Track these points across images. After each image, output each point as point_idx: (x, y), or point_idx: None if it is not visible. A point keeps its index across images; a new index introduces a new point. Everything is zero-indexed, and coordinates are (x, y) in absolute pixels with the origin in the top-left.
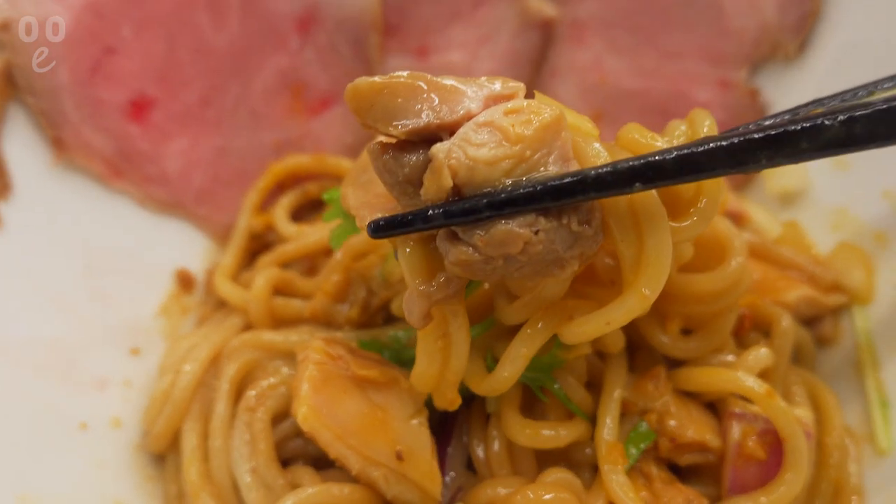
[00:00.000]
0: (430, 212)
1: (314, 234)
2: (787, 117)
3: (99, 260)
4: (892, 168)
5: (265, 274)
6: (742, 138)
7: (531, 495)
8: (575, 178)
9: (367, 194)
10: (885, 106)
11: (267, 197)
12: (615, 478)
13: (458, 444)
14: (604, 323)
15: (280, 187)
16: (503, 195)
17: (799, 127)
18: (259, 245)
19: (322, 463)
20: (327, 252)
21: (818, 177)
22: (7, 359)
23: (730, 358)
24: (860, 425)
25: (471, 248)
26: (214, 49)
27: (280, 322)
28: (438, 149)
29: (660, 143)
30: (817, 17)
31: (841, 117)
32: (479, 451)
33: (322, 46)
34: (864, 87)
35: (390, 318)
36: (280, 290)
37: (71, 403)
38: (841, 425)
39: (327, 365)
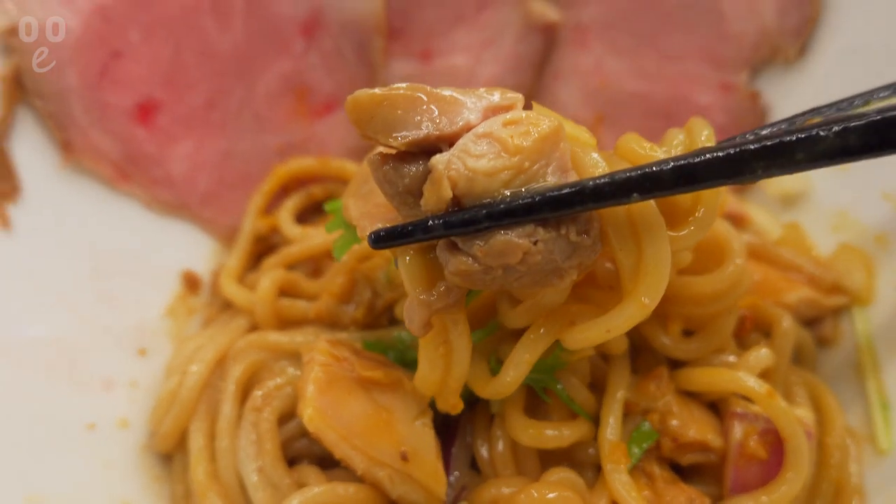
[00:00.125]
0: (430, 222)
1: (319, 236)
2: (783, 126)
3: (106, 261)
4: (891, 170)
5: (271, 275)
6: (738, 149)
7: (535, 494)
8: (573, 189)
9: (367, 204)
10: (878, 117)
11: (272, 199)
12: (618, 477)
13: (463, 444)
14: (604, 331)
15: (284, 190)
16: (502, 206)
17: (794, 138)
18: (264, 247)
19: (327, 462)
20: (332, 254)
21: (819, 179)
22: (15, 360)
23: (731, 358)
24: (860, 426)
25: (470, 259)
26: (219, 53)
27: (285, 323)
28: (438, 160)
29: (658, 153)
30: (817, 21)
31: (836, 128)
32: (484, 451)
33: (326, 50)
34: (860, 95)
35: (395, 320)
36: (285, 292)
37: (78, 404)
38: (842, 425)
39: (332, 366)
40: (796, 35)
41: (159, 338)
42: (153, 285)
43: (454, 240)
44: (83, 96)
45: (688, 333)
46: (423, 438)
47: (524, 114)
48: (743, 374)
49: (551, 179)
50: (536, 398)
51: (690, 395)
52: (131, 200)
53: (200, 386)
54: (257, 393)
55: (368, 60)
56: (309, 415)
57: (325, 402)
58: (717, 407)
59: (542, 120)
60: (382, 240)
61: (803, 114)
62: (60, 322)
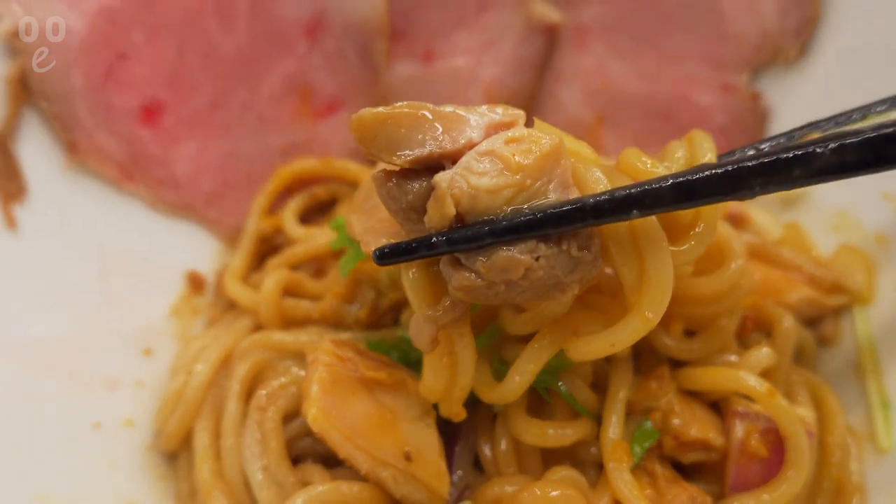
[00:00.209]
0: (434, 239)
1: (322, 236)
2: (781, 141)
3: (111, 262)
4: (891, 172)
5: (275, 275)
6: (735, 166)
7: (538, 492)
8: (574, 206)
9: (370, 219)
10: (874, 134)
11: (275, 200)
12: (620, 475)
13: (466, 444)
14: (609, 344)
15: (288, 191)
16: (504, 223)
17: (791, 155)
18: (268, 247)
19: (332, 461)
20: (335, 254)
21: None
22: (22, 360)
23: (732, 358)
24: (861, 425)
25: (473, 274)
26: (223, 54)
27: (290, 323)
28: (441, 178)
29: (658, 168)
30: (817, 22)
31: (832, 145)
32: (486, 450)
33: (329, 52)
34: (858, 109)
35: (398, 319)
36: (289, 292)
37: (84, 404)
38: (843, 424)
39: (336, 367)
40: (797, 35)
41: (164, 338)
42: (158, 285)
43: (457, 256)
44: (88, 97)
45: (689, 334)
46: (427, 438)
47: (526, 131)
48: (744, 373)
49: (553, 196)
50: (539, 398)
51: (692, 395)
52: (136, 201)
53: (205, 385)
54: (262, 392)
55: (371, 62)
56: (313, 415)
57: (328, 403)
58: (718, 406)
59: (543, 138)
60: (387, 256)
61: (801, 128)
62: (66, 322)
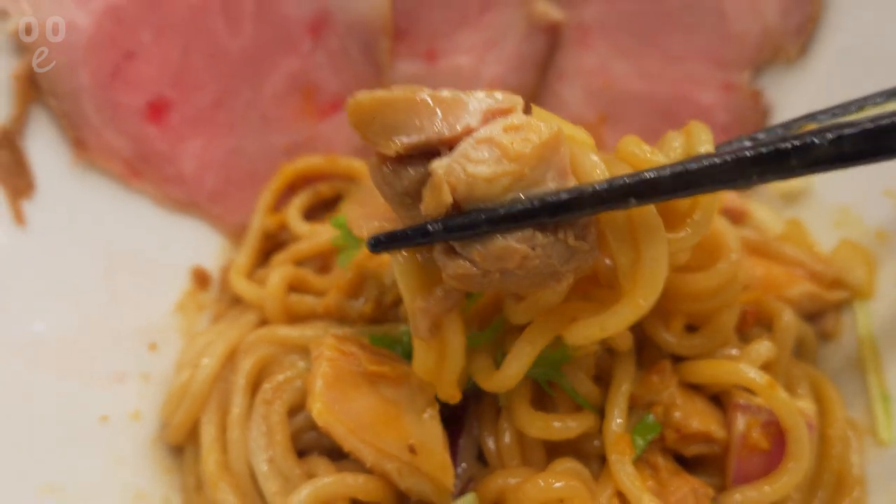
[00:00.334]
0: (430, 227)
1: (326, 232)
2: (780, 132)
3: (118, 258)
4: (893, 167)
5: (280, 271)
6: (734, 156)
7: (542, 483)
8: (571, 195)
9: (365, 206)
10: (872, 125)
11: (280, 197)
12: (623, 468)
13: (470, 437)
14: (599, 329)
15: (292, 188)
16: (501, 211)
17: (789, 145)
18: (272, 244)
19: (337, 454)
20: (340, 250)
21: (820, 176)
22: (30, 355)
23: (733, 352)
24: (861, 418)
25: (468, 263)
26: (228, 54)
27: (294, 318)
28: (438, 165)
29: (658, 157)
30: (818, 21)
31: (830, 136)
32: (490, 443)
33: (333, 50)
34: (855, 102)
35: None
36: (294, 287)
37: (92, 398)
38: (843, 417)
39: (340, 361)
40: (798, 34)
41: (170, 333)
42: (164, 281)
43: (452, 244)
44: (96, 96)
45: (690, 329)
46: (431, 431)
47: (525, 119)
48: (744, 366)
49: (551, 185)
50: (543, 392)
51: (693, 388)
52: (142, 198)
53: (212, 379)
54: (267, 386)
55: (374, 60)
56: (318, 409)
57: (333, 397)
58: (720, 399)
59: (542, 126)
60: (382, 244)
61: (799, 119)
62: (73, 317)
